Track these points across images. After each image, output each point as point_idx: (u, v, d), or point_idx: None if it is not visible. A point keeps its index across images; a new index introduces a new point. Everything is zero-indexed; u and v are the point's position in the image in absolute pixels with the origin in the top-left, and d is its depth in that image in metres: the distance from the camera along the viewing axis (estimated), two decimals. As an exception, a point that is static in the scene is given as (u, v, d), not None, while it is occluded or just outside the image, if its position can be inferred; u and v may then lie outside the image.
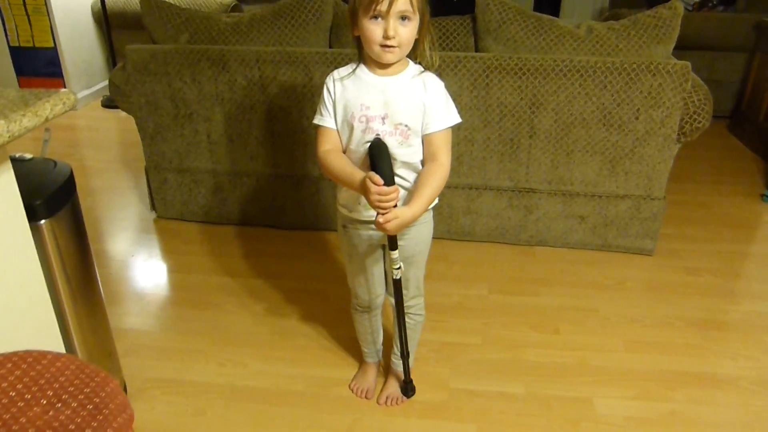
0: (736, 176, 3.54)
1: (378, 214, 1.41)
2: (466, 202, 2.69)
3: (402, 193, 1.52)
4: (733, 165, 3.71)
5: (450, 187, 2.65)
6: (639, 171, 2.52)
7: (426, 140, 1.50)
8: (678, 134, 2.43)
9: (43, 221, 1.44)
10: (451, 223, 2.75)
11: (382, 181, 1.36)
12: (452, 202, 2.69)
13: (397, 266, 1.58)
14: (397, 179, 1.51)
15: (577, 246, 2.73)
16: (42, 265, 1.41)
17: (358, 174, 1.43)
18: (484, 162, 2.59)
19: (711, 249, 2.77)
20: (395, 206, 1.41)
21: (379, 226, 1.43)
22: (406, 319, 1.80)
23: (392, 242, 1.52)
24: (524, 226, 2.72)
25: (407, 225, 1.47)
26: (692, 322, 2.28)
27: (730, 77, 4.27)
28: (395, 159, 1.49)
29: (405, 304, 1.77)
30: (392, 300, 1.79)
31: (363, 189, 1.40)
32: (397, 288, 1.66)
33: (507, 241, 2.77)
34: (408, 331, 1.83)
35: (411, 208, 1.45)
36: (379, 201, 1.38)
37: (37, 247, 1.38)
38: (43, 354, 1.01)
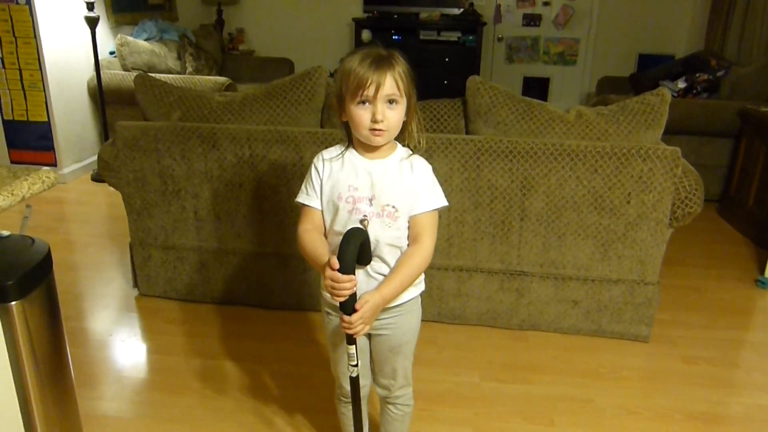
0: (727, 260, 3.51)
1: (342, 314, 1.39)
2: (456, 285, 2.63)
3: (381, 279, 1.49)
4: (724, 249, 3.69)
5: (440, 269, 2.60)
6: (632, 255, 2.49)
7: (411, 222, 1.48)
8: (670, 219, 2.41)
9: (13, 303, 1.37)
10: (441, 306, 2.69)
11: (338, 265, 1.33)
12: (442, 284, 2.64)
13: (354, 363, 1.49)
14: (380, 264, 1.48)
15: (571, 331, 2.66)
16: (9, 349, 1.33)
17: (325, 257, 1.41)
18: (474, 244, 2.55)
19: (707, 336, 2.70)
20: (354, 295, 1.37)
21: (344, 326, 1.39)
22: (394, 410, 1.73)
23: (349, 335, 1.44)
24: (516, 310, 2.65)
25: (376, 311, 1.43)
26: (692, 415, 2.19)
27: (717, 161, 4.32)
28: (379, 242, 1.46)
29: (393, 395, 1.69)
30: (380, 391, 1.71)
31: (324, 271, 1.38)
32: (354, 387, 1.56)
33: (498, 324, 2.69)
34: (395, 423, 1.75)
35: (380, 291, 1.43)
36: (331, 287, 1.35)
37: (5, 330, 1.31)
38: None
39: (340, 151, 1.51)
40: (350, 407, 1.74)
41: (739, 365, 2.52)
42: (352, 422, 1.78)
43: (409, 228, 1.49)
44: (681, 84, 4.95)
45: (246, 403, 2.20)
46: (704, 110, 4.30)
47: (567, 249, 2.52)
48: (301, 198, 1.54)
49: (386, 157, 1.48)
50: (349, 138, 1.50)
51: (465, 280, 2.62)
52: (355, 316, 1.38)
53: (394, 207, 1.45)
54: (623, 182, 2.39)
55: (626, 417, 2.17)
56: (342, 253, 1.34)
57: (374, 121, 1.38)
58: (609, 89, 5.44)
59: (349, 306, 1.38)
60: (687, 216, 2.41)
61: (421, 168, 1.49)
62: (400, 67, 1.41)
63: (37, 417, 1.47)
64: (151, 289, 2.90)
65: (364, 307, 1.38)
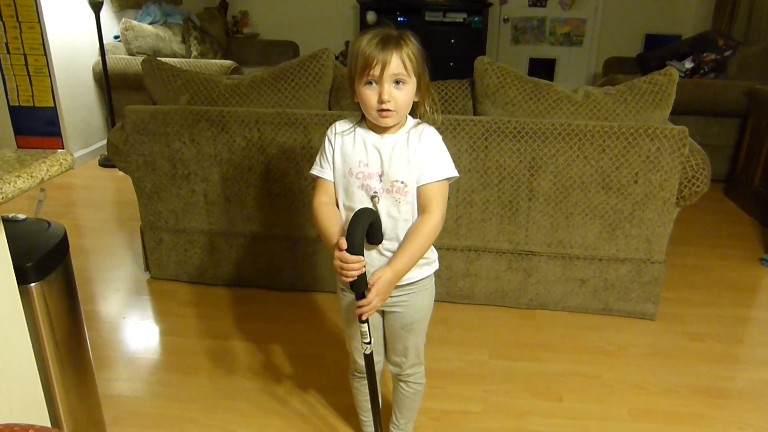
0: (733, 240, 3.53)
1: (356, 295, 1.42)
2: (465, 265, 2.66)
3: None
4: (730, 228, 3.71)
5: (449, 249, 2.63)
6: (639, 234, 2.51)
7: (419, 192, 1.47)
8: (677, 198, 2.43)
9: (33, 284, 1.40)
10: (450, 286, 2.71)
11: (345, 246, 1.35)
12: (451, 264, 2.66)
13: (367, 341, 1.51)
14: (393, 242, 1.49)
15: (578, 310, 2.69)
16: (30, 330, 1.36)
17: (336, 236, 1.43)
18: (483, 224, 2.57)
19: (713, 314, 2.73)
20: (364, 276, 1.40)
21: (359, 308, 1.42)
22: (406, 388, 1.76)
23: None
24: (524, 289, 2.68)
25: (390, 286, 1.44)
26: (698, 389, 2.22)
27: (724, 141, 4.32)
28: (391, 218, 1.47)
29: (404, 372, 1.72)
30: (392, 368, 1.74)
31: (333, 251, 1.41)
32: (368, 364, 1.59)
33: (507, 304, 2.72)
34: (407, 400, 1.79)
35: (391, 266, 1.44)
36: (340, 267, 1.37)
37: (25, 311, 1.34)
38: (25, 428, 0.96)
39: (352, 125, 1.52)
40: (364, 382, 1.77)
41: (744, 341, 2.55)
42: (366, 397, 1.81)
43: (417, 198, 1.49)
44: (688, 64, 4.93)
45: (258, 383, 2.23)
46: (711, 90, 4.29)
47: (574, 229, 2.54)
48: (315, 170, 1.55)
49: (396, 132, 1.48)
50: (363, 116, 1.51)
51: (473, 260, 2.64)
52: (370, 295, 1.39)
53: (403, 182, 1.45)
54: (631, 162, 2.40)
55: (633, 392, 2.20)
56: (350, 234, 1.36)
57: (381, 101, 1.38)
58: (616, 70, 5.42)
59: (358, 286, 1.39)
60: (694, 195, 2.43)
61: (430, 137, 1.48)
62: (409, 48, 1.40)
63: (58, 395, 1.51)
64: (163, 272, 2.93)
65: (377, 284, 1.40)
